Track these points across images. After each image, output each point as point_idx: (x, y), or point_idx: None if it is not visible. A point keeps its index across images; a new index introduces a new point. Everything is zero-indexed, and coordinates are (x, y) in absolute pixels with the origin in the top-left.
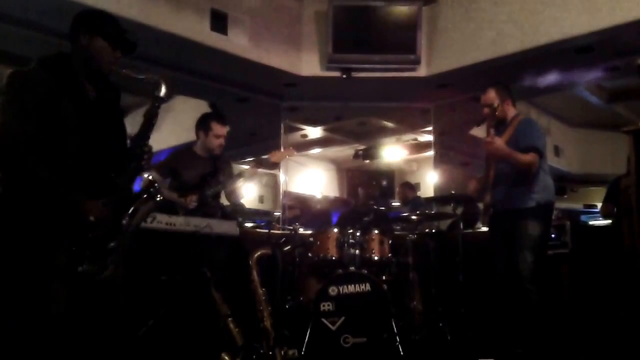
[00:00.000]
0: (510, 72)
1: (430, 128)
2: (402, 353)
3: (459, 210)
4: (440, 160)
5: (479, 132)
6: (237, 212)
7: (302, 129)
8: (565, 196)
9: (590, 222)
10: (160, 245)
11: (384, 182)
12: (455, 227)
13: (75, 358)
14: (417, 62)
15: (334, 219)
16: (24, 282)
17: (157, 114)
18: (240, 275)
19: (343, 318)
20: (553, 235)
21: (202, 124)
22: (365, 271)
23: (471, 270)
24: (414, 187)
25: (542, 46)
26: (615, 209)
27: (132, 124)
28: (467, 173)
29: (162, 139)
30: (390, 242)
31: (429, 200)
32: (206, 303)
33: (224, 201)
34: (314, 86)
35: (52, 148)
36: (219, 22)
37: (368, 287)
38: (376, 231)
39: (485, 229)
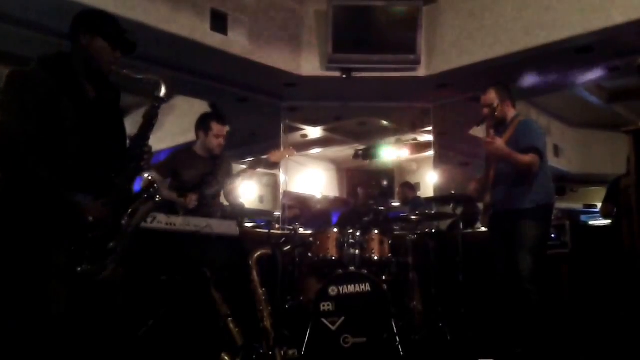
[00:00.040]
0: (510, 72)
1: (430, 128)
2: (402, 353)
3: (459, 211)
4: (440, 160)
5: (478, 132)
6: (236, 212)
7: (302, 129)
8: (565, 196)
9: (590, 222)
10: (160, 245)
11: (384, 182)
12: (455, 227)
13: (74, 358)
14: (417, 62)
15: (334, 219)
16: (22, 281)
17: (157, 114)
18: (240, 275)
19: (343, 318)
20: (553, 235)
21: (202, 124)
22: (365, 271)
23: (471, 270)
24: (414, 187)
25: (542, 46)
26: (615, 209)
27: (132, 124)
28: (467, 173)
29: (162, 139)
30: (390, 242)
31: (429, 200)
32: (206, 303)
33: (223, 201)
34: (314, 86)
35: (52, 148)
36: (219, 22)
37: (368, 287)
38: (376, 231)
39: (484, 229)
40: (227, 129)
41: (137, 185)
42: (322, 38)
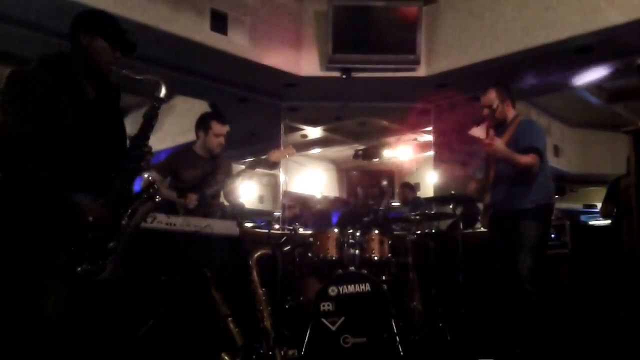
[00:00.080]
0: (510, 72)
1: (430, 128)
2: (402, 353)
3: (459, 211)
4: (440, 160)
5: (478, 132)
6: (236, 212)
7: (302, 129)
8: (565, 196)
9: (590, 222)
10: (160, 245)
11: (384, 182)
12: (455, 227)
13: (74, 358)
14: (416, 62)
15: (334, 219)
16: (22, 281)
17: (157, 114)
18: (240, 275)
19: (343, 318)
20: (553, 236)
21: (202, 124)
22: (365, 271)
23: (471, 270)
24: (414, 188)
25: (542, 46)
26: (615, 209)
27: (132, 124)
28: (467, 173)
29: (162, 139)
30: (390, 242)
31: (428, 200)
32: (206, 303)
33: (223, 201)
34: (313, 86)
35: (52, 148)
36: (219, 22)
37: (368, 287)
38: (376, 231)
39: (484, 229)
40: (227, 128)
41: (137, 185)
42: (322, 38)
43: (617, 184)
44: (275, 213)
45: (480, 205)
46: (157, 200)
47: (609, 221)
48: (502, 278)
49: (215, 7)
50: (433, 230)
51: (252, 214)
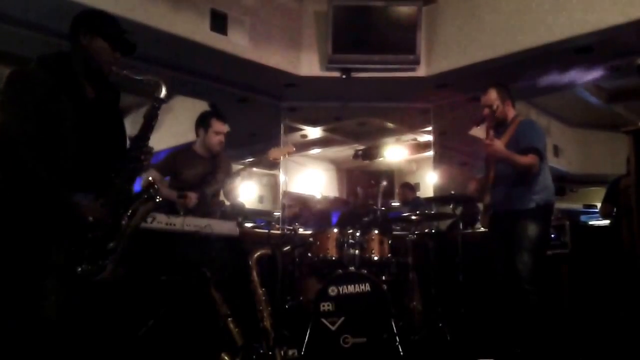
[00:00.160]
0: (509, 72)
1: (429, 128)
2: (402, 353)
3: (459, 211)
4: (440, 160)
5: (478, 132)
6: (236, 211)
7: (302, 129)
8: (565, 196)
9: (590, 222)
10: (160, 245)
11: (384, 182)
12: (454, 227)
13: (74, 358)
14: (416, 62)
15: (334, 219)
16: (22, 281)
17: (157, 115)
18: (240, 275)
19: (343, 318)
20: (553, 236)
21: (202, 122)
22: (365, 271)
23: (471, 270)
24: (414, 188)
25: (541, 46)
26: (615, 209)
27: (132, 124)
28: (466, 173)
29: (162, 139)
30: (390, 242)
31: (428, 200)
32: (206, 303)
33: (223, 200)
34: (313, 86)
35: (52, 148)
36: (219, 23)
37: (368, 287)
38: (376, 231)
39: (484, 229)
40: (227, 128)
41: (137, 186)
42: (322, 38)
43: (616, 184)
44: (275, 213)
45: (480, 205)
46: (157, 200)
47: (608, 221)
48: (502, 278)
49: (215, 7)
50: (433, 230)
51: (252, 214)
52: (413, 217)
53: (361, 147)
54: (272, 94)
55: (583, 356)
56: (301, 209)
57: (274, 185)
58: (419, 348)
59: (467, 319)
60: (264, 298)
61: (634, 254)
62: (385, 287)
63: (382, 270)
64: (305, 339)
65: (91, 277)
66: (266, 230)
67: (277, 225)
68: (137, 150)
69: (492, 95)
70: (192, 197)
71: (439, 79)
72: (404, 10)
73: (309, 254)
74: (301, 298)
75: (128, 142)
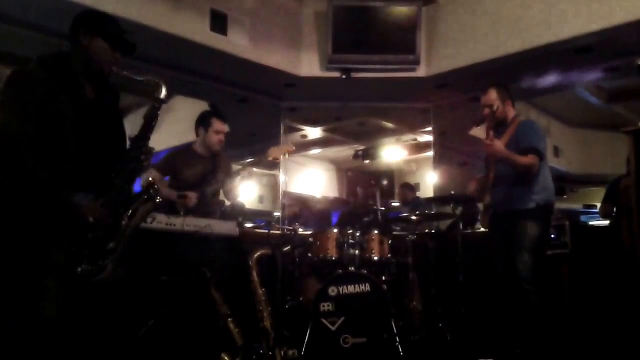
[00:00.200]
0: (509, 72)
1: (429, 128)
2: (401, 353)
3: (459, 211)
4: (439, 160)
5: (478, 132)
6: (236, 211)
7: (302, 129)
8: (565, 196)
9: (590, 222)
10: (160, 245)
11: (384, 182)
12: (454, 227)
13: (74, 359)
14: (416, 62)
15: (334, 219)
16: (22, 281)
17: (157, 115)
18: (240, 275)
19: (343, 318)
20: (553, 236)
21: (202, 121)
22: (365, 271)
23: (471, 270)
24: (414, 188)
25: (541, 46)
26: (614, 209)
27: (132, 124)
28: (466, 173)
29: (162, 139)
30: (390, 242)
31: (428, 200)
32: (206, 303)
33: (222, 199)
34: (313, 86)
35: (52, 148)
36: (219, 23)
37: (368, 287)
38: (376, 231)
39: (483, 229)
40: (227, 127)
41: (137, 186)
42: (322, 38)
43: (616, 184)
44: (275, 213)
45: (480, 205)
46: (157, 201)
47: (608, 221)
48: (502, 278)
49: (214, 8)
50: (433, 230)
51: (251, 214)
52: (413, 217)
53: (361, 147)
54: (272, 94)
55: (583, 356)
56: (301, 209)
57: (274, 185)
58: (419, 348)
59: (467, 319)
60: (264, 298)
61: (634, 254)
62: (385, 287)
63: (382, 270)
64: (305, 339)
65: (91, 277)
66: (266, 230)
67: (277, 225)
68: (137, 151)
69: (492, 95)
70: (192, 197)
71: (439, 79)
72: (404, 10)
73: (309, 254)
74: (301, 298)
75: (128, 142)
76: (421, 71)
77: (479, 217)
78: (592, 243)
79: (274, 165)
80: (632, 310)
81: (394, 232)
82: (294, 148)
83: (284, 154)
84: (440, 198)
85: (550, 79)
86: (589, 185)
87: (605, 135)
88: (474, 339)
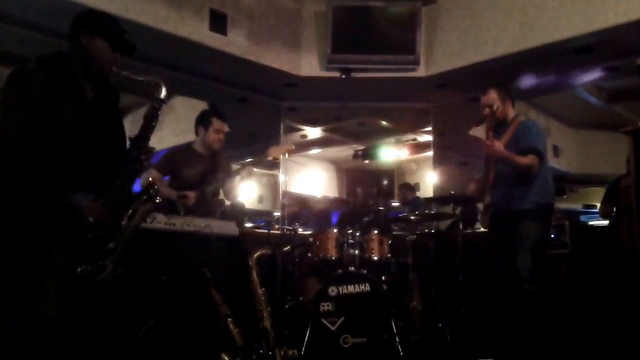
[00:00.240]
0: (509, 72)
1: (429, 128)
2: (401, 353)
3: (458, 211)
4: (439, 160)
5: (478, 132)
6: (236, 211)
7: (302, 129)
8: (565, 196)
9: (590, 223)
10: (160, 245)
11: (384, 182)
12: (454, 227)
13: (73, 358)
14: (416, 62)
15: (334, 219)
16: (21, 281)
17: (157, 115)
18: (240, 275)
19: (343, 318)
20: (553, 236)
21: (202, 120)
22: (365, 271)
23: (471, 270)
24: (413, 188)
25: (541, 46)
26: (614, 209)
27: (132, 124)
28: (466, 173)
29: (163, 139)
30: (389, 242)
31: (428, 200)
32: (206, 303)
33: (222, 198)
34: (313, 86)
35: (52, 148)
36: (218, 23)
37: (368, 287)
38: (376, 231)
39: (483, 229)
40: (226, 127)
41: (138, 186)
42: (322, 38)
43: (616, 184)
44: (275, 213)
45: (480, 206)
46: (157, 201)
47: (608, 221)
48: (502, 278)
49: (214, 8)
50: (433, 230)
51: (251, 214)
52: (413, 217)
53: (361, 147)
54: (272, 94)
55: (583, 356)
56: (301, 209)
57: (273, 185)
58: (419, 348)
59: (467, 319)
60: (264, 298)
61: (634, 254)
62: (385, 287)
63: (382, 270)
64: (305, 339)
65: (91, 277)
66: (266, 230)
67: (276, 226)
68: (137, 151)
69: (492, 96)
70: (191, 196)
71: (439, 79)
72: (404, 10)
73: (309, 254)
74: (301, 298)
75: (128, 142)
76: (421, 71)
77: (478, 217)
78: (592, 243)
79: (274, 165)
80: (632, 310)
81: (394, 232)
82: (294, 148)
83: (284, 154)
84: (440, 198)
85: (550, 79)
86: (588, 185)
87: (605, 135)
88: (474, 339)
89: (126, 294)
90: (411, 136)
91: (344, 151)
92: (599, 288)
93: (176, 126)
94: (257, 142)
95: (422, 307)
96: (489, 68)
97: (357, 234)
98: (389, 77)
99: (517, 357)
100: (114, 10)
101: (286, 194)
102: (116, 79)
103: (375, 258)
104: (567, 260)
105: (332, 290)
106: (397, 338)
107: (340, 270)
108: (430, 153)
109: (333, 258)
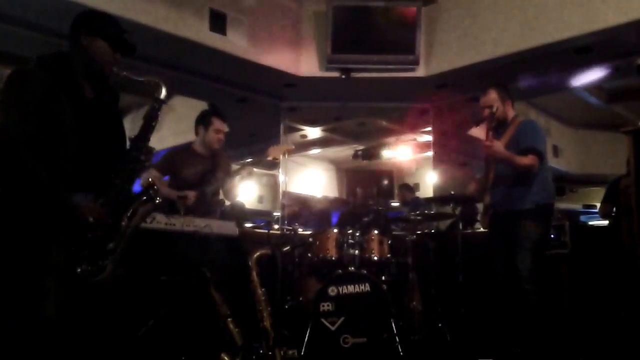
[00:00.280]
0: (509, 72)
1: (429, 128)
2: (401, 353)
3: (458, 211)
4: (439, 160)
5: (478, 132)
6: (236, 211)
7: (302, 129)
8: (565, 196)
9: (590, 223)
10: (160, 245)
11: (384, 182)
12: (454, 227)
13: (73, 358)
14: (416, 62)
15: (334, 219)
16: (21, 281)
17: (157, 115)
18: (240, 275)
19: (343, 318)
20: (553, 236)
21: (202, 120)
22: (365, 271)
23: (471, 270)
24: (413, 189)
25: (541, 46)
26: (614, 209)
27: (132, 124)
28: (466, 173)
29: (163, 139)
30: (389, 242)
31: (428, 200)
32: (206, 303)
33: (222, 198)
34: (313, 86)
35: (52, 148)
36: (218, 23)
37: (367, 287)
38: (376, 231)
39: (483, 229)
40: (226, 127)
41: (138, 186)
42: (322, 38)
43: (616, 184)
44: (274, 213)
45: (480, 206)
46: (156, 202)
47: (608, 221)
48: (502, 278)
49: (214, 8)
50: (433, 231)
51: (251, 214)
52: (413, 217)
53: (361, 147)
54: (272, 94)
55: (583, 356)
56: (301, 208)
57: (273, 185)
58: (419, 348)
59: (467, 319)
60: (263, 298)
61: (634, 254)
62: (385, 287)
63: (382, 270)
64: (305, 339)
65: (91, 277)
66: (266, 230)
67: (276, 226)
68: (137, 151)
69: (492, 96)
70: (191, 196)
71: (439, 79)
72: (404, 10)
73: (309, 254)
74: (301, 298)
75: (128, 142)
76: (421, 71)
77: (478, 218)
78: (592, 243)
79: (274, 165)
80: (632, 310)
81: (394, 232)
82: (294, 147)
83: (284, 154)
84: (440, 198)
85: (549, 80)
86: (588, 185)
87: (605, 135)
88: (474, 339)
89: (126, 294)
90: (411, 136)
91: (344, 151)
92: (599, 288)
93: (176, 126)
94: (257, 142)
95: (422, 307)
96: (489, 68)
97: (357, 234)
98: (388, 77)
99: (517, 357)
100: (114, 10)
101: (286, 194)
102: (116, 79)
103: (375, 258)
104: (567, 260)
105: (332, 290)
106: (397, 338)
107: (340, 270)
108: (430, 153)
109: (333, 258)
